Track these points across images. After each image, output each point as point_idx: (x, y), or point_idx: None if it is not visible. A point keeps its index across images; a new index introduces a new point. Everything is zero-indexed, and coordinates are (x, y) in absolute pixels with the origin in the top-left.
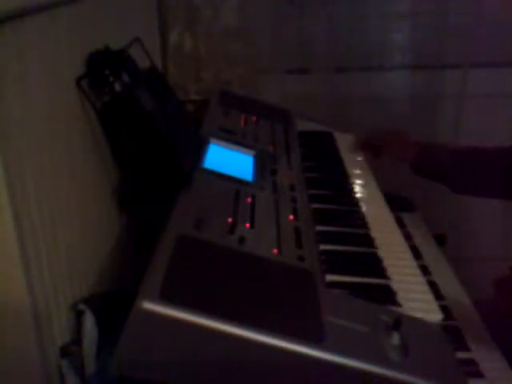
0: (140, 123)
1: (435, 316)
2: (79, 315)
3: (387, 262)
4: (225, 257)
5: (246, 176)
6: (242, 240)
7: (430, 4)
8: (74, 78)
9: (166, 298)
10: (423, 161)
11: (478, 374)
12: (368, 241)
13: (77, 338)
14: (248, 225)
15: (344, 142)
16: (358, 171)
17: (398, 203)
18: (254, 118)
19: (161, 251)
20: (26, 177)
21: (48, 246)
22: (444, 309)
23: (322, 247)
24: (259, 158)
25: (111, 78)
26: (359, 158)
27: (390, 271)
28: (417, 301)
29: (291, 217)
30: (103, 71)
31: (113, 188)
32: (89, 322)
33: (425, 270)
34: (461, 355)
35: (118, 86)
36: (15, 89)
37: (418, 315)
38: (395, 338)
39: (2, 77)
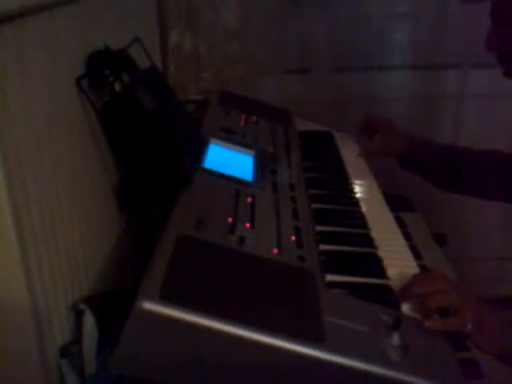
0: (140, 123)
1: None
2: (79, 315)
3: (387, 262)
4: (225, 257)
5: (246, 176)
6: (241, 240)
7: (430, 4)
8: (73, 78)
9: (166, 298)
10: (411, 155)
11: (478, 374)
12: (368, 241)
13: (77, 338)
14: (248, 225)
15: (344, 141)
16: (358, 171)
17: (398, 203)
18: (254, 118)
19: (161, 251)
20: (26, 177)
21: (48, 245)
22: None
23: (322, 247)
24: (259, 158)
25: (111, 78)
26: (359, 158)
27: (390, 271)
28: None
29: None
30: (103, 71)
31: (113, 188)
32: (89, 322)
33: (425, 270)
34: (461, 355)
35: (117, 86)
36: (15, 89)
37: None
38: (395, 338)
39: (2, 77)
